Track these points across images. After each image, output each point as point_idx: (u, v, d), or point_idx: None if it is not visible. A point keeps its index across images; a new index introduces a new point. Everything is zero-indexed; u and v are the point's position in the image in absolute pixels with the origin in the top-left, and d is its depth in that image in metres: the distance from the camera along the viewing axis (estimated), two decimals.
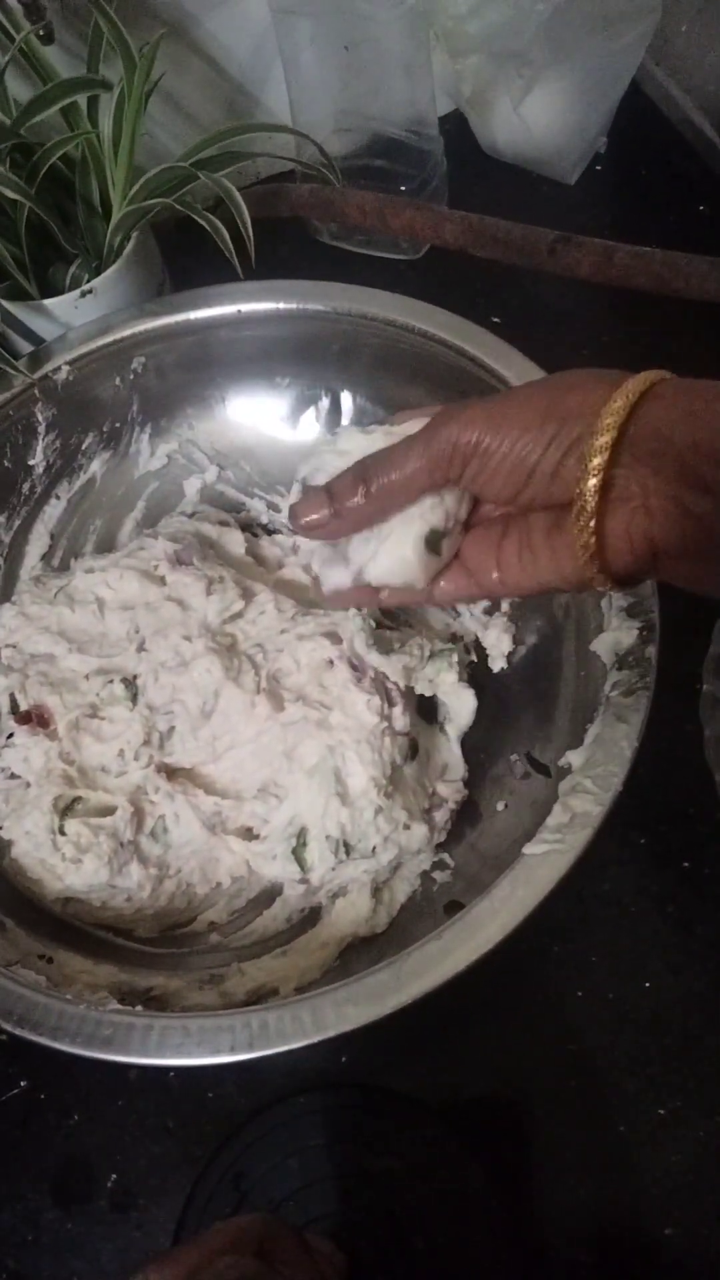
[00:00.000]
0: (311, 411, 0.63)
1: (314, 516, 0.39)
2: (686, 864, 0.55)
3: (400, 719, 0.52)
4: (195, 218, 0.57)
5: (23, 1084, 0.53)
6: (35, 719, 0.54)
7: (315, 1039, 0.39)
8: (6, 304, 0.60)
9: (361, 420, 0.61)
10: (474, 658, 0.58)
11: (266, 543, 0.63)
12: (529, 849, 0.42)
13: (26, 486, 0.61)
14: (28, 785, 0.53)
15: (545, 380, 0.37)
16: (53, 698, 0.54)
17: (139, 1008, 0.44)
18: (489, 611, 0.58)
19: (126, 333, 0.59)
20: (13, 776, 0.54)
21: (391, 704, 0.52)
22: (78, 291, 0.60)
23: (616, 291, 0.62)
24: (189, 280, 0.64)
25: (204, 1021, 0.41)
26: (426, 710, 0.56)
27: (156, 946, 0.53)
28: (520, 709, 0.54)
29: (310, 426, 0.63)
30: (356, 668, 0.52)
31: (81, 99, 0.58)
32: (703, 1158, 0.49)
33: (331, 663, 0.53)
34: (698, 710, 0.50)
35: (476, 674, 0.57)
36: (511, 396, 0.36)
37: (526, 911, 0.40)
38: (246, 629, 0.56)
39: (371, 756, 0.50)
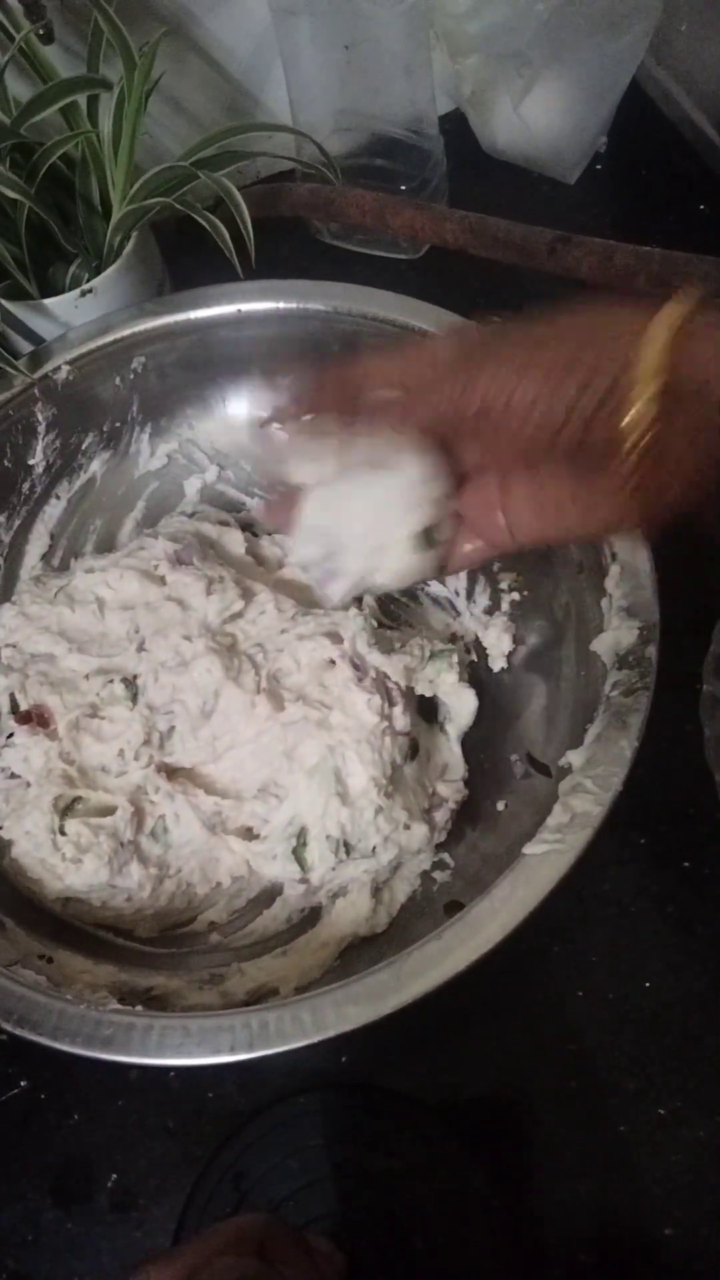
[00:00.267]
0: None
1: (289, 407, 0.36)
2: (686, 864, 0.55)
3: (401, 719, 0.52)
4: (195, 217, 0.57)
5: (23, 1084, 0.53)
6: (35, 719, 0.54)
7: (315, 1039, 0.39)
8: (6, 304, 0.60)
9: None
10: (474, 658, 0.58)
11: (266, 543, 0.63)
12: (529, 849, 0.42)
13: (26, 486, 0.60)
14: (28, 785, 0.53)
15: (568, 319, 0.33)
16: (53, 698, 0.54)
17: (139, 1008, 0.44)
18: (489, 611, 0.58)
19: (126, 332, 0.59)
20: (13, 776, 0.54)
21: (392, 704, 0.52)
22: (78, 291, 0.60)
23: (616, 291, 0.62)
24: (189, 280, 0.64)
25: (204, 1021, 0.41)
26: (426, 710, 0.56)
27: (156, 946, 0.53)
28: (520, 709, 0.54)
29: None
30: (358, 667, 0.52)
31: (81, 98, 0.58)
32: (703, 1158, 0.49)
33: (333, 662, 0.53)
34: (698, 710, 0.50)
35: (476, 674, 0.57)
36: (531, 338, 0.32)
37: (526, 911, 0.40)
38: (246, 629, 0.56)
39: (372, 756, 0.50)
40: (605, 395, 0.31)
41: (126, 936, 0.53)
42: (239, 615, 0.56)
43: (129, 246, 0.61)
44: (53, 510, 0.62)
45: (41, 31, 0.58)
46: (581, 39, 0.70)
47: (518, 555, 0.48)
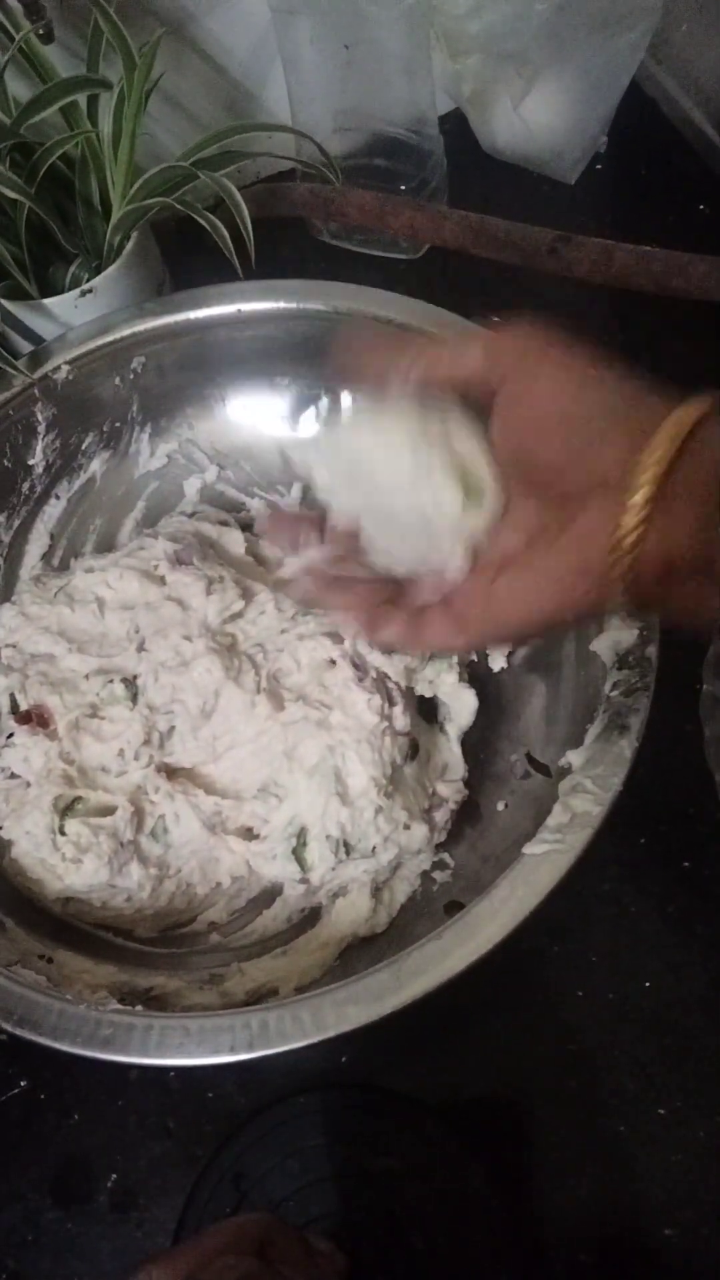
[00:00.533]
0: (311, 411, 0.63)
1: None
2: (686, 864, 0.55)
3: (400, 719, 0.52)
4: (195, 217, 0.57)
5: (23, 1084, 0.53)
6: (35, 719, 0.54)
7: (315, 1039, 0.39)
8: (6, 304, 0.60)
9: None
10: (474, 657, 0.58)
11: (266, 542, 0.63)
12: (529, 849, 0.42)
13: (26, 486, 0.60)
14: (28, 785, 0.53)
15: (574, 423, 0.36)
16: (53, 698, 0.54)
17: (139, 1008, 0.44)
18: None
19: (126, 332, 0.59)
20: (13, 776, 0.54)
21: (392, 704, 0.52)
22: (78, 291, 0.60)
23: (616, 291, 0.62)
24: (189, 280, 0.64)
25: (204, 1021, 0.41)
26: (426, 710, 0.56)
27: (156, 946, 0.53)
28: (520, 709, 0.54)
29: (310, 426, 0.63)
30: (359, 667, 0.52)
31: (81, 98, 0.58)
32: (703, 1158, 0.49)
33: (333, 662, 0.53)
34: (698, 710, 0.50)
35: (476, 674, 0.57)
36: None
37: (526, 911, 0.40)
38: (246, 629, 0.56)
39: (372, 756, 0.50)
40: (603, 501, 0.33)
41: (126, 936, 0.53)
42: (239, 615, 0.56)
43: (129, 246, 0.61)
44: (53, 510, 0.62)
45: (41, 31, 0.58)
46: (581, 39, 0.70)
47: None
